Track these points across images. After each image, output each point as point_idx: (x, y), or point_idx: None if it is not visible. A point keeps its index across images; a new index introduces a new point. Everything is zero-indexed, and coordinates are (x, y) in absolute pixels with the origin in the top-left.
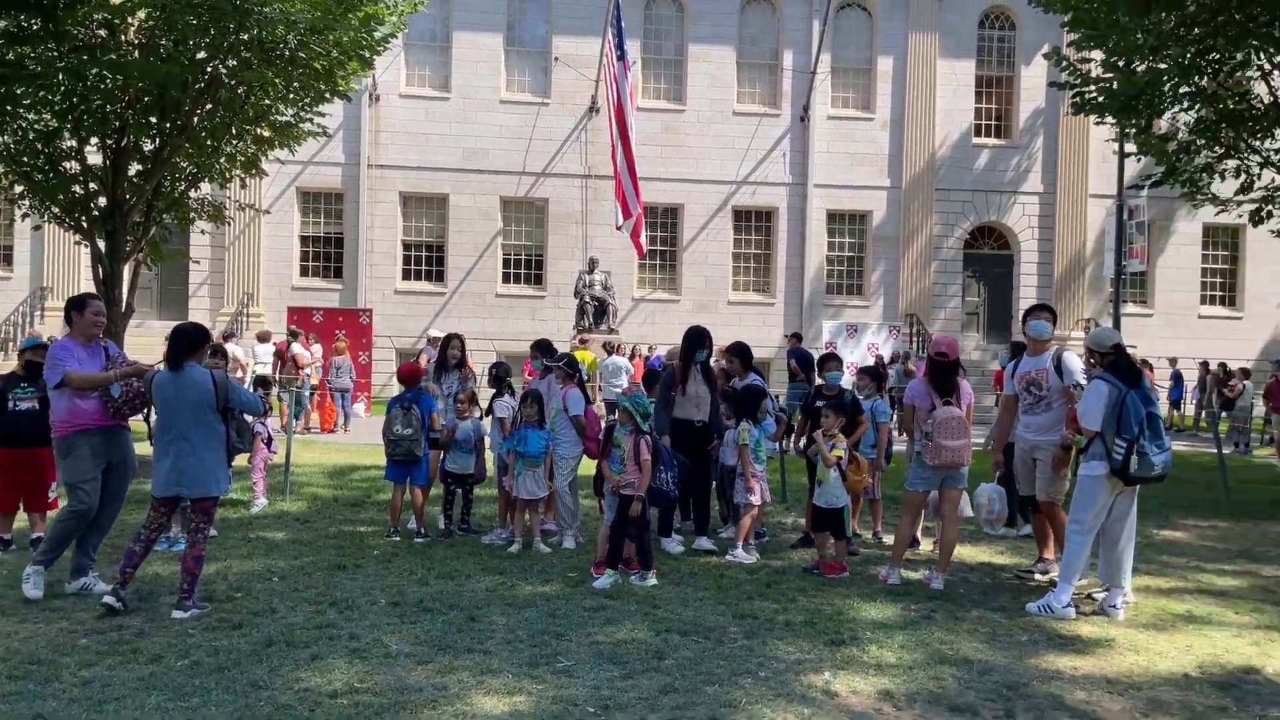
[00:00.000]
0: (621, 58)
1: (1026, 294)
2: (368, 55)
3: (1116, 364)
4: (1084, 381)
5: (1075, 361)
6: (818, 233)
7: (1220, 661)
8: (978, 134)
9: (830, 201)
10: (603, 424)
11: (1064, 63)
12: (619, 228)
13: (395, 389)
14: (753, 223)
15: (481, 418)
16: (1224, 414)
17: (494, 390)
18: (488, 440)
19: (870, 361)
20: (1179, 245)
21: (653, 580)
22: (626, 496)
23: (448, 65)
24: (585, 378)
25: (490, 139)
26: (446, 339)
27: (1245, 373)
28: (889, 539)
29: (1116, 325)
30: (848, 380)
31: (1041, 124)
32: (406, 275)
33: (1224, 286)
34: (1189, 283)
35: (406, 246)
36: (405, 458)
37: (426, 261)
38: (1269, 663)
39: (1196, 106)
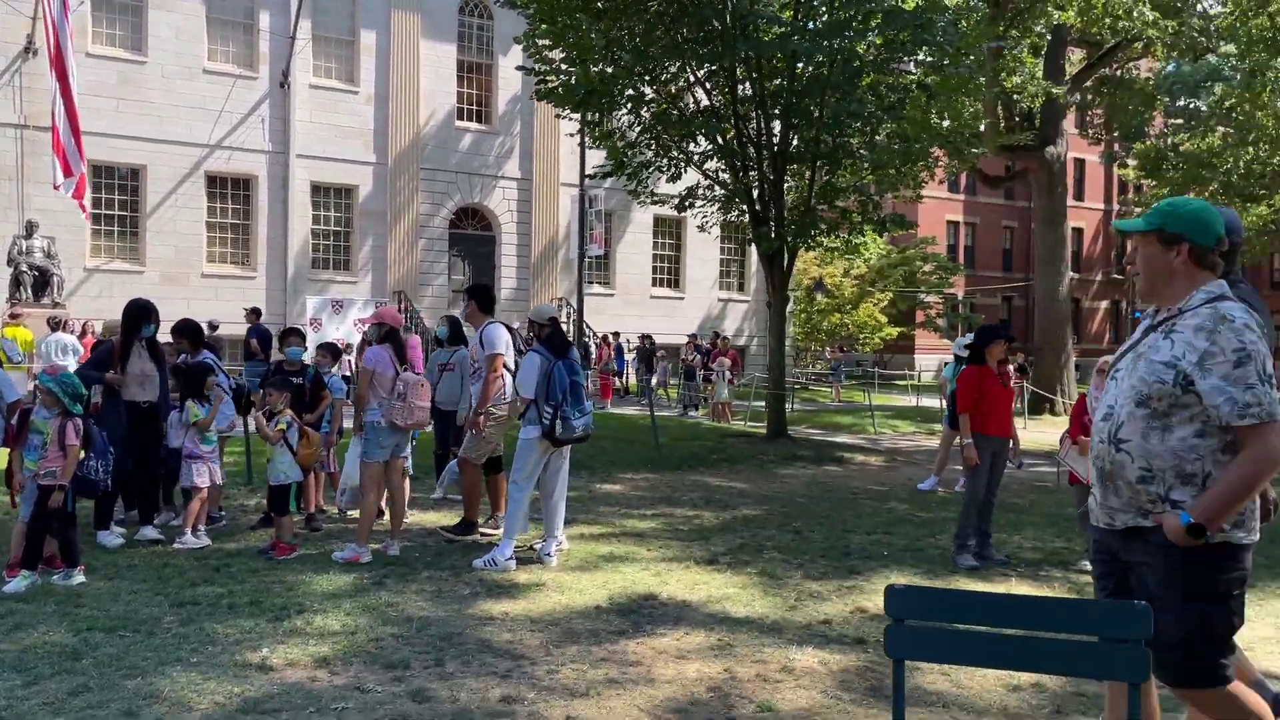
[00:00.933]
0: None
1: (508, 274)
2: None
3: (550, 337)
4: (503, 351)
5: (493, 333)
6: (301, 204)
7: (628, 592)
8: (460, 117)
9: (314, 173)
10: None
11: (531, 48)
12: (58, 187)
13: None
14: (230, 190)
15: None
16: (683, 381)
17: None
18: None
19: (358, 337)
20: (634, 234)
21: (79, 578)
22: (47, 487)
23: None
24: (18, 358)
25: None
26: None
27: (693, 346)
28: (355, 512)
29: (581, 304)
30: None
31: (519, 112)
32: None
33: (670, 271)
34: (642, 267)
35: None
36: None
37: None
38: (665, 589)
39: (641, 109)
